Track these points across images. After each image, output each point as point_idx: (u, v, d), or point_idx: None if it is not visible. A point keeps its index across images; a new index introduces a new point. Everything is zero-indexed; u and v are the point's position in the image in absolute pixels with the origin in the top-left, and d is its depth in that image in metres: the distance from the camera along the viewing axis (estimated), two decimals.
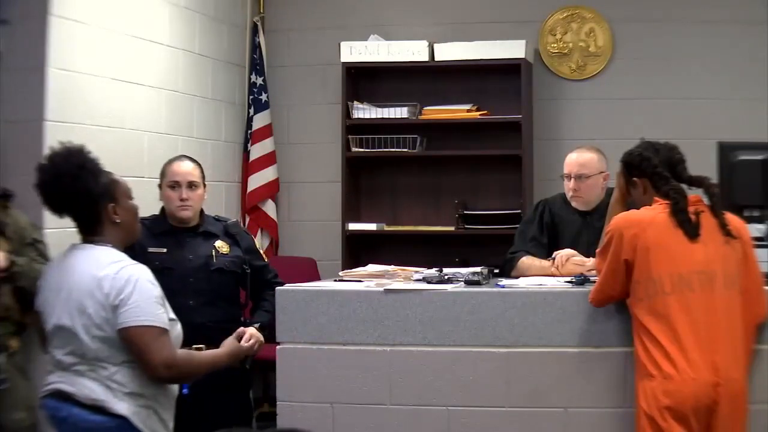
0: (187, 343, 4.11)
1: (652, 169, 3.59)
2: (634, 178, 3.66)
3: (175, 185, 4.33)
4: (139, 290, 3.06)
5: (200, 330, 4.14)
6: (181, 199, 4.31)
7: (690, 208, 3.50)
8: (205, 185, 4.43)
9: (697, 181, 3.61)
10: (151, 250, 4.23)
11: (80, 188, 3.12)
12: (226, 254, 4.35)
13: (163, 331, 3.09)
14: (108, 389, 3.05)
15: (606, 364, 3.70)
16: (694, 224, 3.48)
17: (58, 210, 3.18)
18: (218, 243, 4.36)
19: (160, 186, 4.39)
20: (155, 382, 3.10)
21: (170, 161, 4.45)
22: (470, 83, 6.32)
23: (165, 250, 4.28)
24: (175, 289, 4.13)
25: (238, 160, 6.59)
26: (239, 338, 3.59)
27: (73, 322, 3.06)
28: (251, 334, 4.23)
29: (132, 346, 3.04)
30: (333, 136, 6.37)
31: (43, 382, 3.20)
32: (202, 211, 4.42)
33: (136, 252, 4.15)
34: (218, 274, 4.30)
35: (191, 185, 4.34)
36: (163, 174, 4.40)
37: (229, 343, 3.49)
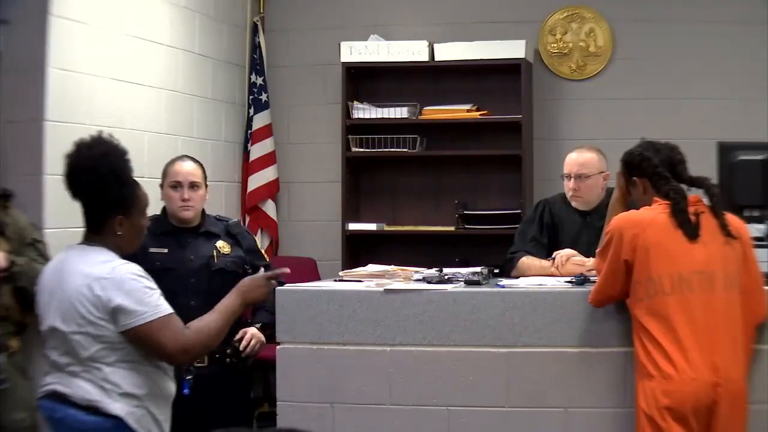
0: None
1: (652, 169, 3.59)
2: (634, 178, 3.66)
3: (176, 185, 4.32)
4: (134, 288, 3.05)
5: None
6: (183, 200, 4.30)
7: (690, 208, 3.50)
8: (206, 185, 4.42)
9: (698, 182, 3.61)
10: (152, 250, 4.22)
11: (100, 192, 3.11)
12: (228, 254, 4.34)
13: (168, 318, 3.08)
14: (102, 390, 3.04)
15: (606, 364, 3.70)
16: (694, 225, 3.48)
17: (73, 193, 3.16)
18: (219, 243, 4.35)
19: (161, 186, 4.39)
20: (174, 365, 3.15)
21: (172, 161, 4.43)
22: (470, 83, 6.32)
23: (166, 250, 4.26)
24: (176, 289, 4.13)
25: (238, 160, 6.59)
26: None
27: (66, 322, 3.06)
28: (252, 334, 4.24)
29: (144, 344, 3.04)
30: (333, 136, 6.37)
31: (40, 383, 3.20)
32: (203, 211, 4.41)
33: (137, 252, 4.16)
34: (219, 274, 4.29)
35: (193, 185, 4.33)
36: (164, 174, 4.39)
37: (240, 285, 3.30)
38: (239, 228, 4.50)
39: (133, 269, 3.12)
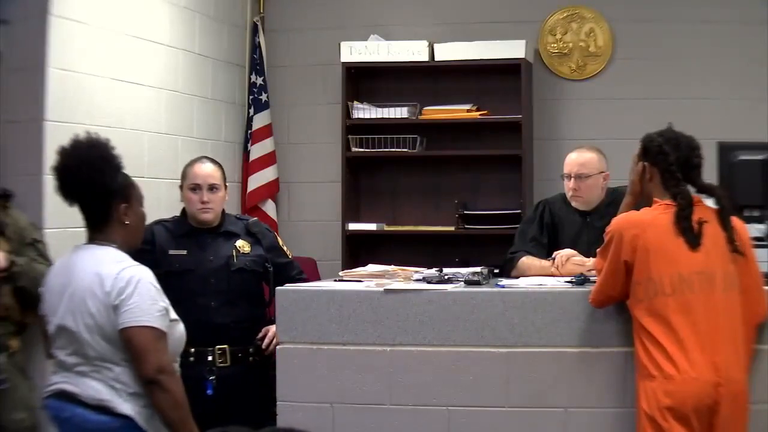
0: (209, 343, 4.13)
1: (665, 166, 3.55)
2: (645, 164, 3.63)
3: (195, 188, 4.31)
4: (140, 291, 3.05)
5: (222, 330, 4.17)
6: (202, 202, 4.29)
7: (694, 216, 3.48)
8: (226, 186, 4.41)
9: (709, 190, 3.58)
10: (171, 252, 4.24)
11: (97, 180, 3.10)
12: (248, 253, 4.33)
13: (162, 335, 3.07)
14: (113, 389, 3.05)
15: (606, 364, 3.70)
16: (696, 233, 3.46)
17: (70, 198, 3.15)
18: (239, 242, 4.35)
19: (181, 187, 4.38)
20: (144, 385, 3.03)
21: (191, 163, 4.42)
22: (470, 83, 6.32)
23: (185, 252, 4.26)
24: (196, 290, 4.15)
25: (238, 160, 6.59)
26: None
27: (75, 322, 3.06)
28: (275, 332, 4.25)
29: (130, 346, 3.03)
30: (333, 136, 6.36)
31: (47, 382, 3.20)
32: (223, 211, 4.40)
33: (156, 254, 4.17)
34: (239, 273, 4.29)
35: (212, 188, 4.31)
36: (183, 175, 4.38)
37: None
38: (259, 226, 4.48)
39: (147, 274, 3.12)
